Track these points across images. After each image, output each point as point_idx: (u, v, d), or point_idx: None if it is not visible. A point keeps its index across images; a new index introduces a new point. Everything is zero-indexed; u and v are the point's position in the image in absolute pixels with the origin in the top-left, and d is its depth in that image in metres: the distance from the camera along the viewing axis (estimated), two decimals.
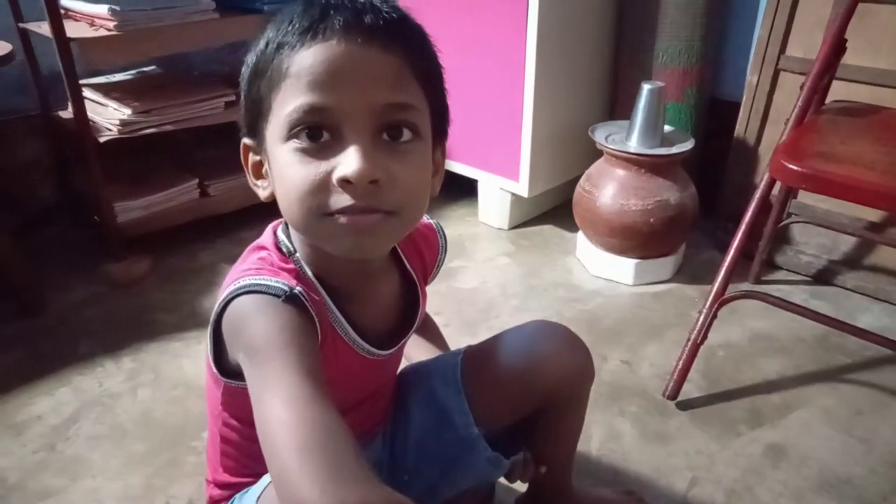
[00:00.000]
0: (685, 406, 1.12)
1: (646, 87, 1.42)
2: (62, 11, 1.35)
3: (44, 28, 1.34)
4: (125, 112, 1.46)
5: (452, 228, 1.73)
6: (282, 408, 0.47)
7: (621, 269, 1.48)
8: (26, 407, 1.13)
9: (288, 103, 0.53)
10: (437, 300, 1.40)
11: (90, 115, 1.42)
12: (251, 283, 0.55)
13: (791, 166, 0.92)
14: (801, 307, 1.15)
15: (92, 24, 1.43)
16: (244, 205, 1.59)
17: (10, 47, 1.31)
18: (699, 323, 1.10)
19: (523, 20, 1.46)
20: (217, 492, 0.73)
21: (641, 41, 1.61)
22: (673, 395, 1.12)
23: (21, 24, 1.49)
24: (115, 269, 1.47)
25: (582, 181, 1.52)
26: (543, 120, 1.57)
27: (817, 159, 0.96)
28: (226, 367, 0.61)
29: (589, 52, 1.65)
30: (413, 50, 0.56)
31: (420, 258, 0.73)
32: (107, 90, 1.57)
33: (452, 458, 0.74)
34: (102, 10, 1.39)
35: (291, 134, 0.54)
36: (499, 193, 1.70)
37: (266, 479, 0.62)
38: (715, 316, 1.10)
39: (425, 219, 0.75)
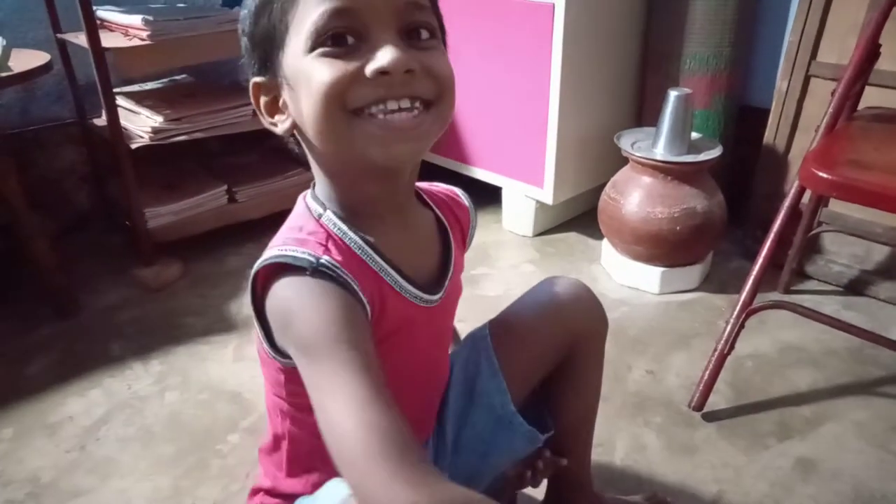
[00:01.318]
0: (712, 417, 1.11)
1: (672, 94, 1.40)
2: (98, 22, 1.39)
3: (80, 39, 1.37)
4: (157, 120, 1.49)
5: (477, 235, 1.70)
6: (343, 414, 0.47)
7: (647, 278, 1.47)
8: (60, 407, 1.16)
9: (309, 15, 0.53)
10: (462, 306, 1.38)
11: (123, 122, 1.45)
12: (277, 253, 0.55)
13: (822, 174, 0.90)
14: (833, 318, 1.12)
15: (126, 35, 1.47)
16: (272, 211, 1.61)
17: (48, 57, 1.35)
18: (726, 332, 1.09)
19: (549, 26, 1.46)
20: (270, 500, 0.71)
21: (669, 47, 1.60)
22: (699, 406, 1.11)
23: (59, 35, 1.53)
24: (147, 274, 1.50)
25: (607, 188, 1.51)
26: (569, 126, 1.56)
27: (849, 167, 0.94)
28: (280, 349, 0.59)
29: (615, 58, 1.64)
30: None
31: (454, 216, 0.72)
32: (139, 98, 1.61)
33: (491, 440, 0.74)
34: (136, 20, 1.42)
35: (317, 43, 0.53)
36: (523, 200, 1.70)
37: (332, 492, 0.59)
38: (743, 326, 1.08)
39: (447, 186, 0.75)
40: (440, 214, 0.69)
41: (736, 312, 1.08)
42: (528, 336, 0.77)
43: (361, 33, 0.53)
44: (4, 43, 1.32)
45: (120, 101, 1.54)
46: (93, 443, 1.08)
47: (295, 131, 0.60)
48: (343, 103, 0.53)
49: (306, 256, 0.54)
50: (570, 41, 1.46)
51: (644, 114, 1.72)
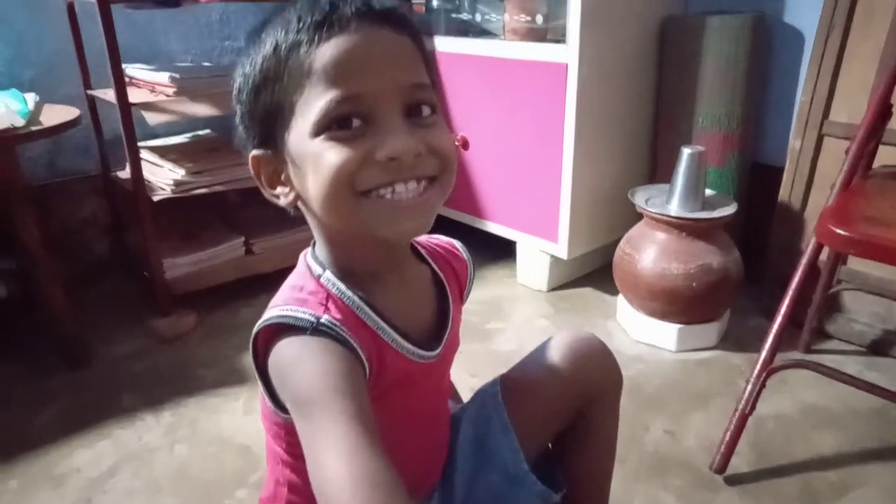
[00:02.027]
0: (733, 481, 1.07)
1: (686, 152, 1.42)
2: (127, 79, 1.44)
3: (109, 95, 1.42)
4: (179, 173, 1.53)
5: (491, 289, 1.72)
6: (333, 461, 0.47)
7: (664, 335, 1.45)
8: (66, 459, 1.14)
9: (317, 100, 0.54)
10: (475, 361, 1.38)
11: (146, 175, 1.49)
12: (277, 314, 0.56)
13: (839, 231, 0.90)
14: (856, 378, 1.10)
15: (153, 91, 1.52)
16: (286, 264, 1.61)
17: (77, 112, 1.40)
18: (747, 392, 1.06)
19: (563, 85, 1.49)
20: None
21: (681, 106, 1.63)
22: (720, 469, 1.07)
23: (89, 92, 1.59)
24: (162, 324, 1.50)
25: (622, 244, 1.51)
26: (583, 182, 1.58)
27: (866, 224, 0.93)
28: (281, 405, 0.59)
29: (628, 115, 1.66)
30: (415, 29, 0.58)
31: (451, 270, 0.72)
32: (163, 152, 1.65)
33: (503, 498, 0.73)
34: (164, 77, 1.48)
35: (324, 127, 0.54)
36: (538, 255, 1.70)
37: None
38: (764, 385, 1.06)
39: (447, 239, 0.76)
40: (437, 269, 0.70)
41: (756, 371, 1.06)
42: (540, 392, 0.76)
43: (368, 116, 0.54)
44: (37, 99, 1.37)
45: (144, 154, 1.59)
46: (100, 495, 1.06)
47: (298, 202, 0.61)
48: (352, 185, 0.55)
49: (307, 316, 0.55)
50: (583, 99, 1.49)
51: (658, 171, 1.73)
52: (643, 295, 1.44)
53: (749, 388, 1.06)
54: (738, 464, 1.09)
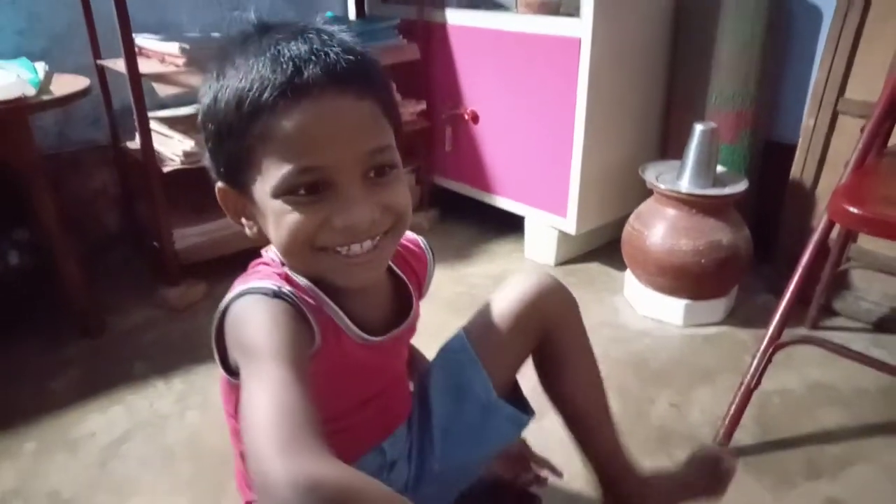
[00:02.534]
0: (737, 454, 1.08)
1: (698, 128, 1.41)
2: (137, 49, 1.43)
3: (119, 64, 1.42)
4: (189, 143, 1.53)
5: (498, 264, 1.73)
6: (261, 394, 0.50)
7: (671, 310, 1.46)
8: (81, 424, 1.16)
9: (278, 167, 0.56)
10: None
11: (156, 146, 1.49)
12: (243, 288, 0.60)
13: (851, 209, 0.90)
14: (863, 355, 1.10)
15: (162, 61, 1.51)
16: None
17: (87, 82, 1.39)
18: (753, 367, 1.07)
19: (575, 59, 1.48)
20: (251, 496, 0.75)
21: (695, 83, 1.61)
22: (724, 442, 1.08)
23: (99, 61, 1.58)
24: (172, 294, 1.52)
25: (631, 219, 1.51)
26: (593, 157, 1.57)
27: (879, 203, 0.93)
28: (233, 369, 0.63)
29: (641, 90, 1.65)
30: (379, 88, 0.60)
31: (412, 271, 0.76)
32: (172, 123, 1.65)
33: (478, 429, 0.77)
34: (173, 48, 1.47)
35: (283, 192, 0.57)
36: (546, 230, 1.70)
37: None
38: (770, 360, 1.07)
39: (411, 235, 0.79)
40: (397, 270, 0.74)
41: (763, 346, 1.06)
42: (500, 326, 0.79)
43: (326, 183, 0.57)
44: (47, 68, 1.37)
45: (154, 125, 1.58)
46: (113, 460, 1.08)
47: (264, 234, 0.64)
48: (311, 244, 0.59)
49: (269, 285, 0.59)
50: (595, 74, 1.48)
51: (669, 147, 1.72)
52: (651, 270, 1.44)
53: (755, 362, 1.07)
54: (742, 437, 1.11)
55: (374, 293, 0.71)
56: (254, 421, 0.48)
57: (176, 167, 1.50)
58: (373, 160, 0.58)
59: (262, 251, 0.69)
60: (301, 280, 0.64)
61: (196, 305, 1.53)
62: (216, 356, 0.64)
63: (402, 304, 0.74)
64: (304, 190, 0.56)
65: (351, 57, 0.56)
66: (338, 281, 0.62)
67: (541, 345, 0.81)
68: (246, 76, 0.55)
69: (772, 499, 0.99)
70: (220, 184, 0.63)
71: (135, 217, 1.78)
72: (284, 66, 0.54)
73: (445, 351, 0.82)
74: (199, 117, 0.61)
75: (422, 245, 0.80)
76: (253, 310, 0.57)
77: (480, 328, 0.80)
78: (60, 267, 1.36)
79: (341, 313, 0.65)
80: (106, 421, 1.17)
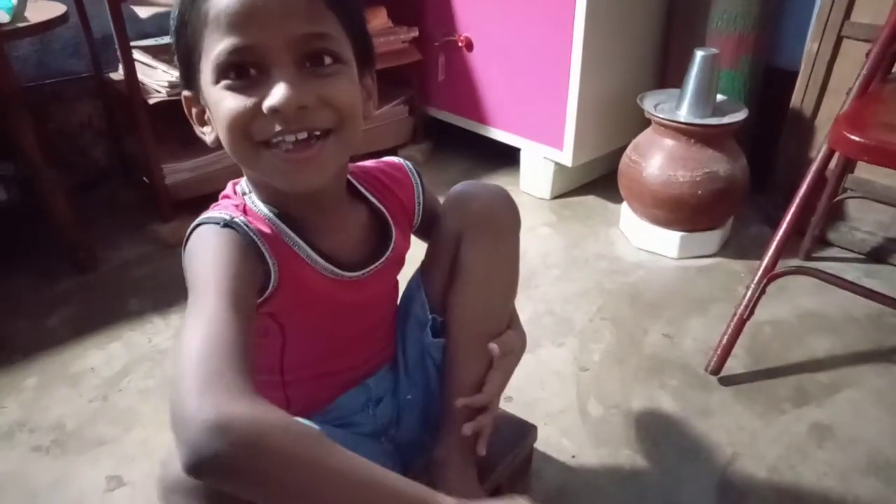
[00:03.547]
0: (728, 382, 1.11)
1: (699, 54, 1.37)
2: None
3: None
4: (174, 74, 1.48)
5: None
6: (195, 328, 0.50)
7: (666, 242, 1.46)
8: (80, 359, 1.17)
9: (213, 48, 0.56)
10: None
11: (140, 77, 1.44)
12: (199, 220, 0.60)
13: (853, 137, 0.88)
14: (855, 284, 1.11)
15: None
16: None
17: (64, 8, 1.33)
18: (746, 297, 1.08)
19: None
20: None
21: (695, 5, 1.55)
22: (716, 370, 1.11)
23: None
24: (164, 230, 1.50)
25: (628, 151, 1.49)
26: (590, 87, 1.53)
27: (882, 130, 0.91)
28: None
29: (640, 16, 1.59)
30: None
31: (395, 198, 0.73)
32: (156, 52, 1.59)
33: (427, 347, 0.75)
34: None
35: (220, 75, 0.56)
36: (542, 162, 1.68)
37: None
38: (763, 291, 1.07)
39: (395, 160, 0.76)
40: (378, 204, 0.71)
41: (757, 277, 1.07)
42: (432, 244, 0.77)
43: (261, 66, 0.56)
44: None
45: (136, 55, 1.52)
46: (115, 393, 1.10)
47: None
48: (249, 135, 0.57)
49: (222, 215, 0.59)
50: None
51: (668, 74, 1.68)
52: (647, 202, 1.43)
53: (749, 293, 1.08)
54: (734, 366, 1.13)
55: (348, 227, 0.68)
56: (182, 355, 0.48)
57: (162, 98, 1.46)
58: (307, 46, 0.56)
59: (230, 183, 0.68)
60: (262, 209, 0.63)
61: None
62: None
63: (385, 238, 0.71)
64: (237, 73, 0.56)
65: None
66: (284, 185, 0.59)
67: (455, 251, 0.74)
68: None
69: (761, 424, 1.02)
70: (184, 92, 0.63)
71: (123, 151, 1.74)
72: None
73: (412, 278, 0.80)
74: (170, 28, 0.61)
75: (406, 169, 0.76)
76: (202, 243, 0.58)
77: (429, 243, 0.77)
78: (48, 201, 1.34)
79: (302, 243, 0.63)
80: (105, 356, 1.18)
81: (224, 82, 0.56)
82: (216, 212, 0.61)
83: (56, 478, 0.95)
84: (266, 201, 0.64)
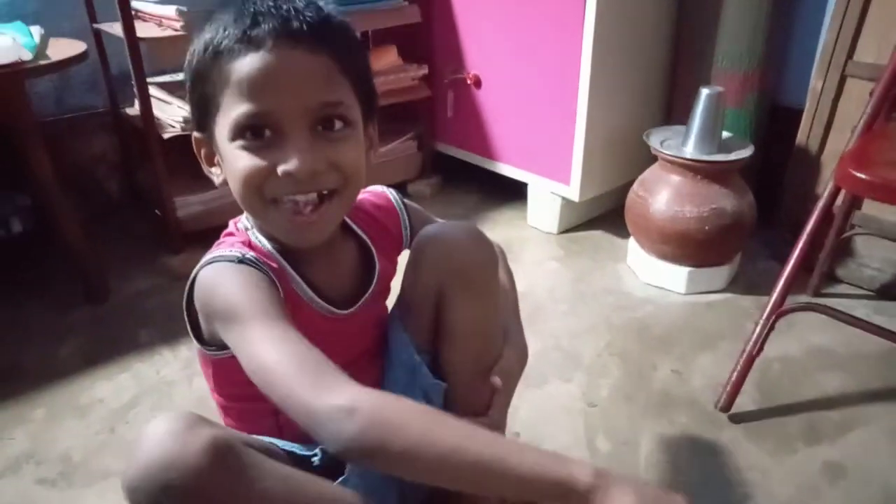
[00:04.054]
0: (738, 419, 1.09)
1: (704, 92, 1.39)
2: (133, 12, 1.41)
3: (115, 28, 1.39)
4: (188, 109, 1.51)
5: (500, 231, 1.72)
6: (267, 353, 0.55)
7: (673, 277, 1.46)
8: (89, 390, 1.18)
9: (232, 109, 0.60)
10: None
11: (155, 112, 1.47)
12: (209, 258, 0.64)
13: (859, 174, 0.89)
14: (864, 321, 1.11)
15: (160, 25, 1.48)
16: None
17: (84, 46, 1.37)
18: (755, 334, 1.07)
19: (580, 20, 1.45)
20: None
21: (701, 44, 1.58)
22: (726, 408, 1.10)
23: (95, 25, 1.56)
24: (175, 261, 1.52)
25: (635, 186, 1.50)
26: (597, 123, 1.55)
27: (887, 168, 0.92)
28: (205, 339, 0.67)
29: (646, 54, 1.62)
30: (338, 48, 0.62)
31: (380, 226, 0.77)
32: (172, 88, 1.63)
33: (410, 392, 0.75)
34: (170, 11, 1.44)
35: (237, 134, 0.60)
36: (549, 197, 1.69)
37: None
38: (772, 328, 1.07)
39: (378, 189, 0.80)
40: (364, 236, 0.74)
41: (766, 313, 1.07)
42: (411, 286, 0.75)
43: (276, 128, 0.60)
44: (42, 32, 1.34)
45: (152, 90, 1.56)
46: (122, 425, 1.10)
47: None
48: (260, 192, 0.62)
49: (234, 252, 0.63)
50: (600, 35, 1.45)
51: (674, 111, 1.70)
52: (655, 238, 1.44)
53: (758, 329, 1.07)
54: (743, 403, 1.12)
55: (339, 261, 0.72)
56: (275, 378, 0.54)
57: (176, 133, 1.49)
58: (321, 112, 0.61)
59: (231, 222, 0.72)
60: (265, 244, 0.67)
61: None
62: (188, 327, 0.67)
63: (369, 271, 0.74)
64: (253, 133, 0.60)
65: (310, 14, 0.60)
66: (287, 240, 0.65)
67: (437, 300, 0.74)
68: (216, 27, 0.61)
69: (772, 463, 1.01)
70: (195, 133, 0.68)
71: (136, 184, 1.77)
72: (245, 18, 0.59)
73: (390, 314, 0.80)
74: (184, 71, 0.65)
75: (389, 196, 0.79)
76: (224, 277, 0.61)
77: (402, 288, 0.77)
78: (63, 231, 1.36)
79: (302, 283, 0.67)
80: (114, 387, 1.18)
81: (240, 142, 0.60)
82: (224, 250, 0.64)
83: None
84: (268, 236, 0.68)
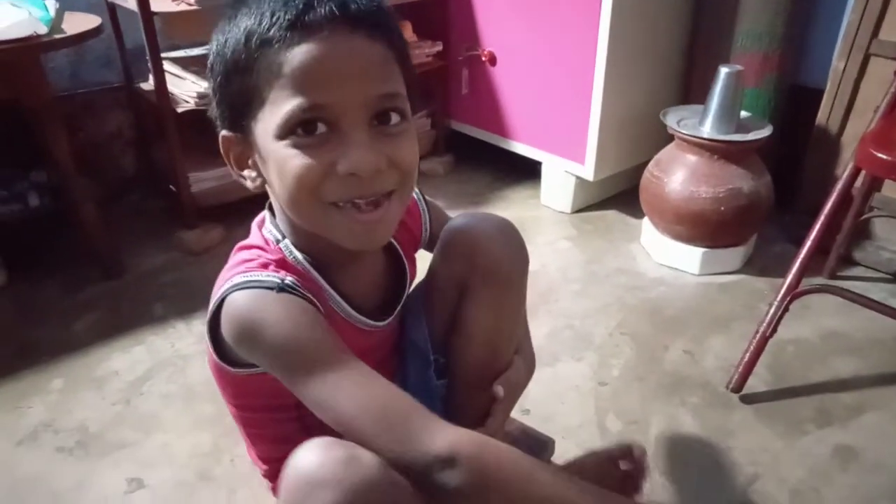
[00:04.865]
0: (750, 400, 1.09)
1: (723, 71, 1.36)
2: None
3: (130, 2, 1.39)
4: (202, 85, 1.51)
5: (514, 211, 1.72)
6: (346, 405, 0.54)
7: (687, 258, 1.45)
8: (105, 362, 1.20)
9: (283, 103, 0.53)
10: None
11: (170, 87, 1.47)
12: (242, 280, 0.58)
13: (880, 155, 0.87)
14: (881, 304, 1.09)
15: (174, 0, 1.48)
16: None
17: (99, 20, 1.37)
18: (769, 315, 1.07)
19: None
20: (264, 466, 0.75)
21: (720, 23, 1.55)
22: (737, 389, 1.09)
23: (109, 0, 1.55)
24: (189, 237, 1.53)
25: (650, 166, 1.48)
26: (613, 102, 1.53)
27: None
28: (232, 358, 0.62)
29: (664, 32, 1.60)
30: (392, 33, 0.57)
31: (407, 230, 0.73)
32: (185, 63, 1.62)
33: (426, 382, 0.73)
34: None
35: (288, 131, 0.54)
36: (563, 176, 1.68)
37: None
38: (787, 309, 1.06)
39: None
40: (395, 243, 0.71)
41: (781, 295, 1.06)
42: (436, 274, 0.73)
43: (332, 124, 0.55)
44: (57, 6, 1.34)
45: (167, 66, 1.56)
46: (137, 397, 1.12)
47: (266, 187, 0.62)
48: (318, 195, 0.56)
49: (271, 278, 0.57)
50: (618, 13, 1.43)
51: (691, 91, 1.67)
52: (669, 218, 1.42)
53: (772, 311, 1.07)
54: (755, 384, 1.11)
55: (368, 269, 0.68)
56: (362, 432, 0.53)
57: (190, 108, 1.49)
58: (379, 105, 0.56)
59: (254, 227, 0.66)
60: (298, 258, 0.62)
61: (213, 249, 1.54)
62: (210, 347, 0.63)
63: (397, 276, 0.71)
64: (304, 130, 0.54)
65: None
66: (352, 244, 0.59)
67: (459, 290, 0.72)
68: (257, 12, 0.54)
69: (783, 445, 1.01)
70: (224, 132, 0.61)
71: (151, 160, 1.77)
72: (297, 1, 0.53)
73: (409, 297, 0.77)
74: (210, 60, 0.59)
75: (415, 197, 0.74)
76: (268, 312, 0.55)
77: (428, 275, 0.75)
78: (78, 208, 1.37)
79: (339, 299, 0.63)
80: (129, 360, 1.20)
81: (291, 139, 0.54)
82: (259, 274, 0.58)
83: (78, 479, 0.96)
84: (302, 248, 0.62)
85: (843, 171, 1.06)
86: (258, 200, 0.70)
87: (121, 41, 1.62)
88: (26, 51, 1.20)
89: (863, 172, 1.09)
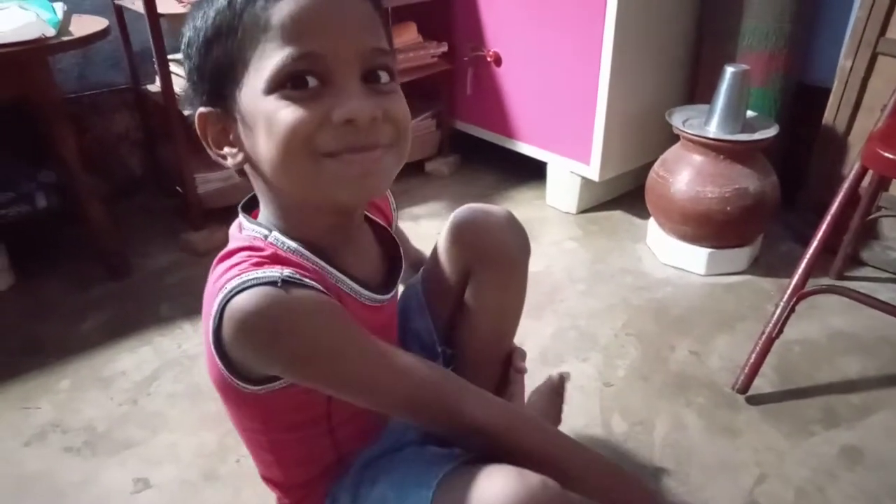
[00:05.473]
0: (755, 401, 1.09)
1: (729, 70, 1.36)
2: None
3: (136, 4, 1.40)
4: (190, 86, 1.51)
5: (519, 211, 1.69)
6: (393, 383, 0.57)
7: (693, 259, 1.44)
8: (112, 363, 1.20)
9: (272, 55, 0.52)
10: None
11: (176, 88, 1.48)
12: (239, 283, 0.53)
13: (887, 154, 0.87)
14: (888, 304, 1.09)
15: (180, 1, 1.48)
16: None
17: (106, 22, 1.38)
18: (775, 316, 1.06)
19: None
20: (286, 500, 0.72)
21: (726, 22, 1.55)
22: (743, 389, 1.09)
23: (116, 1, 1.56)
24: (195, 238, 1.53)
25: (656, 166, 1.48)
26: (619, 101, 1.53)
27: None
28: (246, 376, 0.57)
29: (670, 32, 1.59)
30: None
31: (380, 212, 0.74)
32: None
33: None
34: None
35: (278, 84, 0.52)
36: (568, 176, 1.68)
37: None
38: (793, 310, 1.06)
39: None
40: (375, 219, 0.72)
41: (787, 295, 1.05)
42: (437, 266, 0.75)
43: (325, 76, 0.53)
44: (65, 8, 1.35)
45: (173, 67, 1.57)
46: (144, 397, 1.12)
47: (246, 165, 0.59)
48: (311, 147, 0.53)
49: (271, 273, 0.53)
50: (623, 13, 1.43)
51: (697, 90, 1.67)
52: (675, 218, 1.42)
53: (778, 311, 1.06)
54: (761, 385, 1.11)
55: (363, 246, 0.67)
56: (412, 403, 0.58)
57: None
58: (374, 60, 0.55)
59: (234, 234, 0.64)
60: (291, 246, 0.59)
61: (219, 250, 1.54)
62: (223, 369, 0.56)
63: (385, 250, 0.70)
64: (294, 84, 0.52)
65: None
66: (342, 195, 0.56)
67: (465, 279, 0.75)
68: None
69: (789, 445, 1.00)
70: (200, 109, 0.58)
71: (157, 161, 1.79)
72: None
73: (405, 292, 0.79)
74: (184, 43, 0.57)
75: None
76: (282, 308, 0.52)
77: (429, 265, 0.77)
78: (85, 208, 1.38)
79: (343, 276, 0.61)
80: (136, 360, 1.21)
81: (281, 92, 0.52)
82: (256, 271, 0.54)
83: (85, 478, 0.97)
84: (293, 235, 0.60)
85: (850, 171, 1.06)
86: None
87: (128, 43, 1.63)
88: (34, 53, 1.20)
89: (870, 172, 1.09)
